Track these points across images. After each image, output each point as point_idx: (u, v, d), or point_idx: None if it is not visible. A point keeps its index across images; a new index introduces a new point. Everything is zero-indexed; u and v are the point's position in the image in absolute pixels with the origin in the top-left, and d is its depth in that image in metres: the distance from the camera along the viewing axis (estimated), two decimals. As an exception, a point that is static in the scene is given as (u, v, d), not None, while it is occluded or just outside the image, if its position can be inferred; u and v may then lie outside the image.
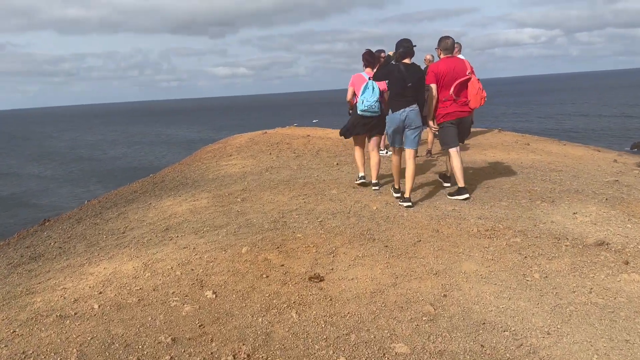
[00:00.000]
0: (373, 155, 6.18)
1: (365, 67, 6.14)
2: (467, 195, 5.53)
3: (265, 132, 12.05)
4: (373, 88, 5.75)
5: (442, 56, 5.56)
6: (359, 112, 5.87)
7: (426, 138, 8.90)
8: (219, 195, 6.46)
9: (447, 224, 4.81)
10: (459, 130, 5.61)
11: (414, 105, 5.28)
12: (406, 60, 5.29)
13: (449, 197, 5.68)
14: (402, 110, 5.25)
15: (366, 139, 6.34)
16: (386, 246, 4.33)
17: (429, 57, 10.58)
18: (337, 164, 8.14)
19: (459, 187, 5.61)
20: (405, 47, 5.26)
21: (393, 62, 5.35)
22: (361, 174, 6.36)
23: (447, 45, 5.52)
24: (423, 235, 4.55)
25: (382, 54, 6.58)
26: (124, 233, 5.31)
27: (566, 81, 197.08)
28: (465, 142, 10.17)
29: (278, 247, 4.30)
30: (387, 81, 5.45)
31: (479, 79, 5.48)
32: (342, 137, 6.41)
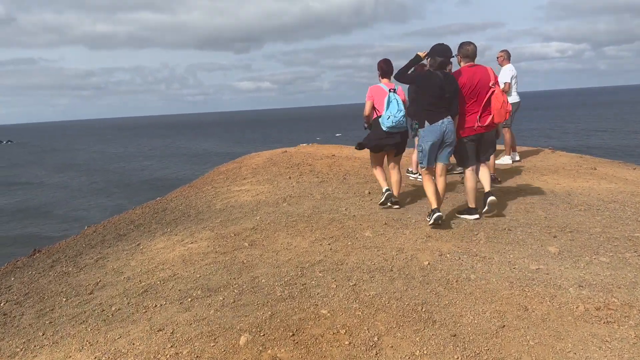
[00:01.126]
0: (395, 174, 5.87)
1: (382, 78, 5.68)
2: (477, 216, 5.15)
3: (286, 151, 10.75)
4: (397, 101, 5.40)
5: (462, 64, 5.09)
6: (385, 128, 5.45)
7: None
8: (222, 235, 5.13)
9: (537, 296, 3.36)
10: (480, 146, 5.16)
11: (450, 118, 4.89)
12: (445, 70, 4.97)
13: (457, 215, 5.29)
14: (440, 121, 4.84)
15: (385, 157, 5.96)
16: (454, 335, 2.91)
17: (501, 54, 8.87)
18: (369, 192, 6.74)
19: (469, 207, 5.22)
20: (446, 57, 4.90)
21: (427, 67, 5.08)
22: (385, 187, 5.82)
23: (468, 52, 5.03)
24: (506, 316, 3.12)
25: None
26: (91, 294, 4.00)
27: (594, 96, 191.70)
28: (519, 163, 8.78)
29: (293, 335, 2.93)
30: (419, 88, 5.02)
31: (503, 91, 5.07)
32: (358, 149, 5.91)
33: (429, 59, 5.03)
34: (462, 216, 5.21)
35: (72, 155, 69.39)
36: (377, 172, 5.94)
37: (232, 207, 6.62)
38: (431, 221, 4.79)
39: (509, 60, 8.55)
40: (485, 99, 4.91)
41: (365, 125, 5.78)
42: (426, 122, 4.87)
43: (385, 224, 5.11)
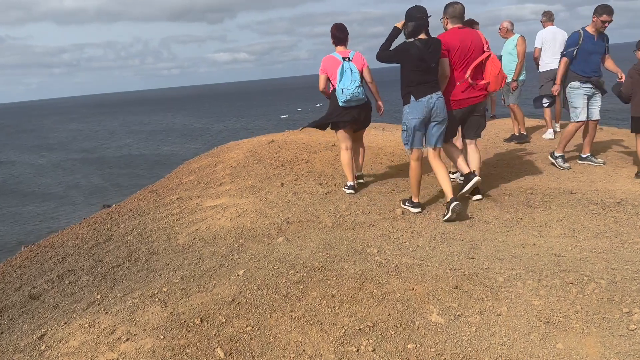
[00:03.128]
0: (361, 148, 5.50)
1: (337, 46, 5.05)
2: (478, 178, 4.51)
3: (273, 141, 8.53)
4: (351, 71, 4.80)
5: (449, 26, 4.50)
6: (340, 103, 4.89)
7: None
8: (179, 321, 2.99)
9: None
10: (469, 121, 4.66)
11: (439, 92, 4.32)
12: (421, 35, 4.23)
13: (461, 194, 4.57)
14: (428, 96, 4.23)
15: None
16: None
17: (506, 24, 7.46)
18: (403, 213, 4.64)
19: (465, 175, 4.59)
20: (418, 19, 4.19)
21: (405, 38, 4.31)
22: (350, 182, 5.25)
23: (455, 11, 4.47)
24: None
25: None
26: None
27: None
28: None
29: None
30: (399, 64, 4.34)
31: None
32: (317, 128, 5.36)
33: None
34: (466, 190, 4.54)
35: (44, 135, 68.42)
36: (344, 158, 5.25)
37: (201, 241, 4.46)
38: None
39: (552, 22, 7.83)
40: (476, 63, 4.37)
41: (327, 97, 5.17)
42: (412, 98, 4.27)
43: (456, 287, 3.03)
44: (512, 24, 7.96)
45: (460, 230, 4.08)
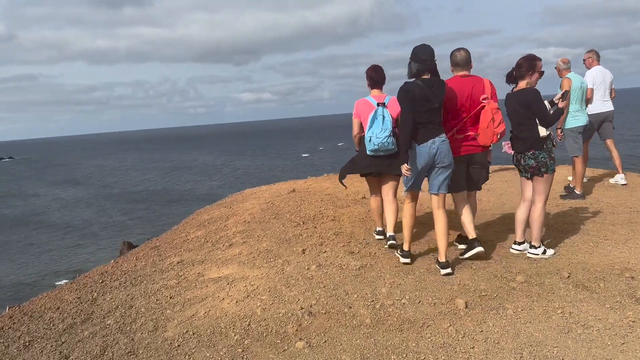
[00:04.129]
0: (389, 202, 4.75)
1: (372, 89, 4.68)
2: (480, 249, 4.16)
3: (294, 190, 7.49)
4: (384, 118, 4.44)
5: (454, 74, 4.25)
6: (368, 152, 4.53)
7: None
8: None
9: None
10: (468, 171, 4.31)
11: (444, 135, 4.03)
12: (425, 76, 3.96)
13: (460, 257, 4.32)
14: (430, 141, 3.97)
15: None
16: None
17: (559, 63, 7.08)
18: (467, 306, 3.46)
19: (469, 240, 4.25)
20: (422, 61, 3.96)
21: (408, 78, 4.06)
22: (379, 228, 4.93)
23: (457, 59, 4.22)
24: None
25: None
26: None
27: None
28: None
29: None
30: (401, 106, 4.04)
31: (498, 107, 4.13)
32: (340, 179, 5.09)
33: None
34: (466, 256, 4.26)
35: (70, 170, 70.32)
36: (373, 205, 4.99)
37: (195, 337, 3.35)
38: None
39: (598, 61, 7.17)
40: (471, 114, 4.18)
41: (356, 149, 4.90)
42: (414, 144, 4.01)
43: None
44: (567, 62, 6.97)
45: (553, 338, 2.89)
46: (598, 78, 6.99)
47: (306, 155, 66.64)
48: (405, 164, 3.95)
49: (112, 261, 6.53)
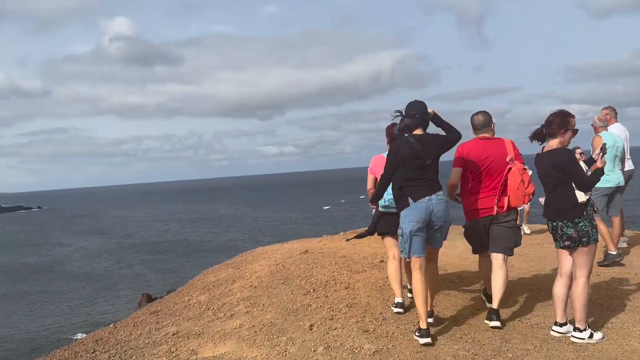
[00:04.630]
0: (406, 263, 4.42)
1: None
2: (497, 324, 3.98)
3: (306, 251, 7.01)
4: None
5: (477, 135, 4.31)
6: (380, 208, 4.52)
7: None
8: None
9: None
10: (493, 231, 4.17)
11: (440, 192, 3.91)
12: (417, 132, 3.90)
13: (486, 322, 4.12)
14: (427, 198, 3.83)
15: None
16: None
17: (595, 120, 6.62)
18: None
19: (489, 310, 4.15)
20: (411, 115, 3.90)
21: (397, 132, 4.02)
22: (399, 299, 4.50)
23: (474, 123, 4.30)
24: None
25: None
26: None
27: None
28: None
29: None
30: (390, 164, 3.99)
31: (526, 168, 4.08)
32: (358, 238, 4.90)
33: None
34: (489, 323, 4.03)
35: (95, 220, 71.53)
36: (391, 269, 4.63)
37: None
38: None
39: (616, 118, 6.73)
40: (501, 178, 4.09)
41: (372, 207, 4.70)
42: (410, 200, 3.85)
43: None
44: (603, 120, 6.56)
45: None
46: (620, 135, 6.58)
47: (327, 207, 66.19)
48: (373, 204, 4.16)
49: (111, 325, 6.10)
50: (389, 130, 4.57)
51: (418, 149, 3.84)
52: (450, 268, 6.16)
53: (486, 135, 4.29)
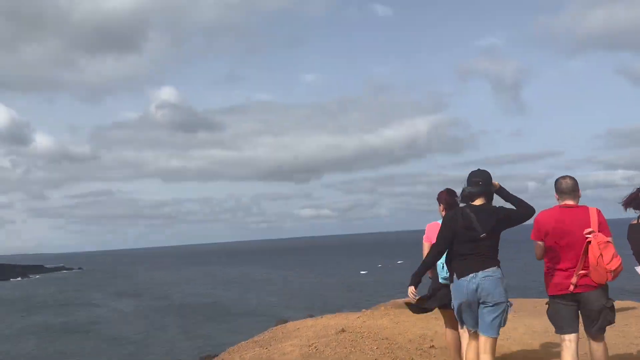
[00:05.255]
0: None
1: (446, 212, 4.29)
2: None
3: (343, 331, 6.17)
4: None
5: (559, 202, 3.91)
6: (440, 279, 4.27)
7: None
8: None
9: None
10: (582, 313, 3.77)
11: (492, 269, 3.55)
12: (477, 202, 3.67)
13: None
14: (471, 275, 3.54)
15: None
16: None
17: None
18: None
19: None
20: (474, 182, 3.71)
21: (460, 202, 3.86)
22: None
23: (562, 187, 3.87)
24: None
25: None
26: None
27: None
28: None
29: None
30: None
31: (609, 241, 3.63)
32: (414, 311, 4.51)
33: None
34: None
35: (133, 282, 72.04)
36: (450, 340, 4.41)
37: None
38: None
39: None
40: (582, 252, 3.68)
41: (429, 275, 4.34)
42: (455, 277, 3.66)
43: None
44: None
45: None
46: None
47: (364, 272, 64.37)
48: (412, 287, 3.73)
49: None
50: (444, 196, 4.40)
51: (472, 220, 3.58)
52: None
53: (570, 202, 3.85)
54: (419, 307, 4.34)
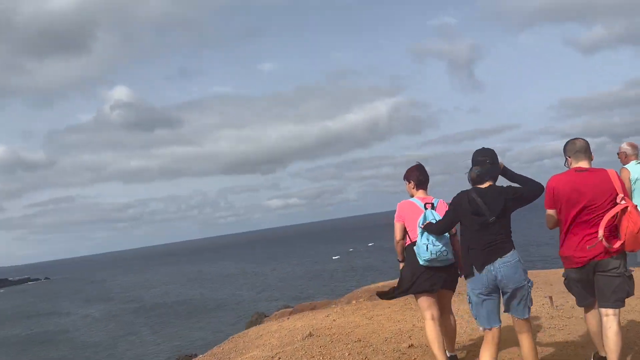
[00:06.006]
0: (447, 319, 4.07)
1: (417, 190, 4.06)
2: None
3: (311, 335, 5.46)
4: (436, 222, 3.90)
5: (571, 166, 3.61)
6: (422, 262, 3.82)
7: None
8: None
9: None
10: (597, 282, 3.47)
11: (509, 254, 3.34)
12: (485, 184, 3.45)
13: None
14: (489, 266, 3.32)
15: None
16: None
17: (624, 148, 5.65)
18: None
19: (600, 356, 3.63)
20: (481, 162, 3.46)
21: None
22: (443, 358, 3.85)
23: (577, 146, 3.59)
24: None
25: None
26: None
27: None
28: None
29: None
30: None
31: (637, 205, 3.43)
32: (386, 298, 4.28)
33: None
34: None
35: (102, 287, 70.55)
36: (430, 331, 3.86)
37: None
38: None
39: (636, 156, 5.67)
40: (607, 219, 3.34)
41: (399, 258, 4.10)
42: (474, 270, 3.39)
43: None
44: (635, 147, 5.55)
45: None
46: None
47: (337, 257, 64.28)
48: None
49: None
50: (414, 172, 4.08)
51: (478, 204, 3.38)
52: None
53: (585, 165, 3.54)
54: (393, 295, 4.10)
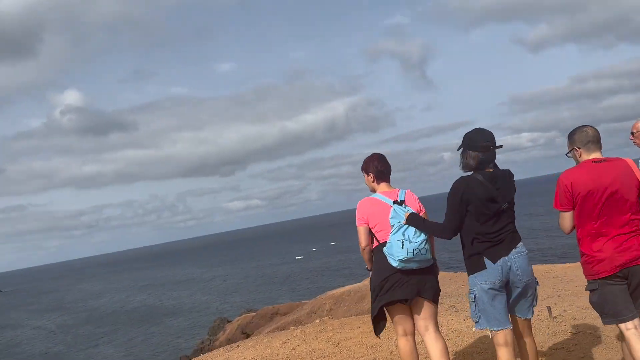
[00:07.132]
0: (433, 339, 3.25)
1: (379, 183, 3.43)
2: None
3: (286, 342, 5.50)
4: None
5: (583, 158, 3.07)
6: (395, 263, 3.14)
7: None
8: None
9: None
10: (632, 288, 2.93)
11: (520, 244, 3.08)
12: (489, 169, 3.08)
13: None
14: (503, 257, 3.00)
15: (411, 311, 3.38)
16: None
17: None
18: None
19: None
20: (484, 147, 3.05)
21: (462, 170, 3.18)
22: None
23: (589, 136, 3.07)
24: None
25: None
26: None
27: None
28: None
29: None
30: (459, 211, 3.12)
31: None
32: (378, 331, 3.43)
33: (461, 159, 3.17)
34: None
35: (57, 297, 68.54)
36: (404, 351, 3.29)
37: None
38: None
39: None
40: (626, 212, 2.93)
41: (367, 267, 3.45)
42: (486, 261, 2.99)
43: None
44: None
45: None
46: None
47: (300, 257, 64.57)
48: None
49: None
50: (374, 163, 3.46)
51: (491, 189, 3.03)
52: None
53: (599, 155, 3.07)
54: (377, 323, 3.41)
